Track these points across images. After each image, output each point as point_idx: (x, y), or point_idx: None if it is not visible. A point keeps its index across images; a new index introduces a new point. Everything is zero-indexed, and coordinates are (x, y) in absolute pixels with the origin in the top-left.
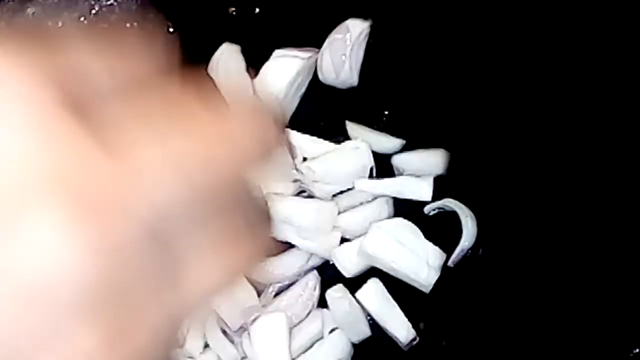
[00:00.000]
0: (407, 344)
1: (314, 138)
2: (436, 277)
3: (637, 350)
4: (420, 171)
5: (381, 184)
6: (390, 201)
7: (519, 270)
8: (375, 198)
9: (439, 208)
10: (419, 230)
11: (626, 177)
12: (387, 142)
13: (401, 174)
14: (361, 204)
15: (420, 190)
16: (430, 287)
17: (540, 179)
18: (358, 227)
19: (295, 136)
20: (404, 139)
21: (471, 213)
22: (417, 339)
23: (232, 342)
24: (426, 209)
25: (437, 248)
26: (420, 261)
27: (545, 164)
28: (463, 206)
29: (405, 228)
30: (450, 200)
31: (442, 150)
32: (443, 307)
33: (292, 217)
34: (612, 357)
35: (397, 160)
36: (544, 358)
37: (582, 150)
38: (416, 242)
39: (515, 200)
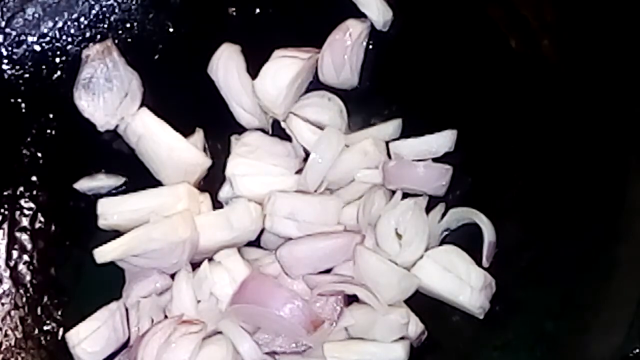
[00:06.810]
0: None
1: (313, 128)
2: (479, 299)
3: (637, 350)
4: (418, 155)
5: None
6: (388, 192)
7: None
8: (372, 189)
9: (449, 228)
10: (465, 254)
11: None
12: (387, 128)
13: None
14: (360, 197)
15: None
16: (477, 310)
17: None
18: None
19: (297, 122)
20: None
21: (477, 211)
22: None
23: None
24: (440, 235)
25: (480, 270)
26: (463, 284)
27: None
28: (465, 208)
29: (452, 254)
30: (453, 211)
31: (439, 134)
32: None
33: (295, 212)
34: (612, 357)
35: (395, 146)
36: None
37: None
38: (461, 267)
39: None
